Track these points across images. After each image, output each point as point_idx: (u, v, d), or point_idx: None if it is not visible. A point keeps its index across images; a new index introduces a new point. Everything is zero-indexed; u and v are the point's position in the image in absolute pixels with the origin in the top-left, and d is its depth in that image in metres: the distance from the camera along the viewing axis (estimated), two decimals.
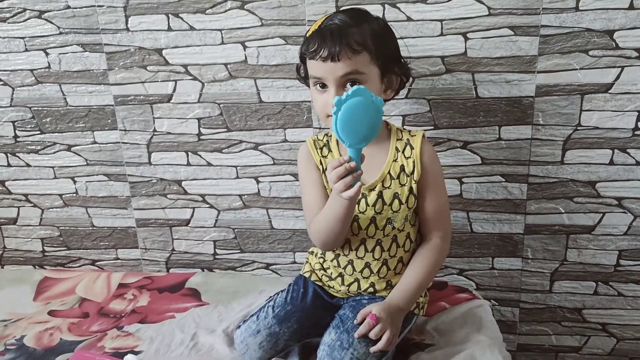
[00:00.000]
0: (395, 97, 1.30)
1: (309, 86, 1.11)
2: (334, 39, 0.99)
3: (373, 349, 1.00)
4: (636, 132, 1.26)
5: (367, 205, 1.09)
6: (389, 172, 1.09)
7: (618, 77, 1.23)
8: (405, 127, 1.17)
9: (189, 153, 1.45)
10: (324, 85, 1.04)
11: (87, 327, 1.30)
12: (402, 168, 1.09)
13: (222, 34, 1.34)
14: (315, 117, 1.36)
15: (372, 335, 1.01)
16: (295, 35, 1.31)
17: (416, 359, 1.11)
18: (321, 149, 1.14)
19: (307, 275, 1.21)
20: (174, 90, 1.40)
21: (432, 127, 1.33)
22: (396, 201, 1.09)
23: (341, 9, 1.09)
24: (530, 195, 1.35)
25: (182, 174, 1.48)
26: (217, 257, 1.55)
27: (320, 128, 1.37)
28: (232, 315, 1.30)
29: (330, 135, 1.15)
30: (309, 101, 1.36)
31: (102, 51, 1.40)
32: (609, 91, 1.24)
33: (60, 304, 1.40)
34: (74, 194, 1.54)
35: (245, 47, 1.34)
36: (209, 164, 1.45)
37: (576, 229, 1.36)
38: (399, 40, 1.09)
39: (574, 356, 1.48)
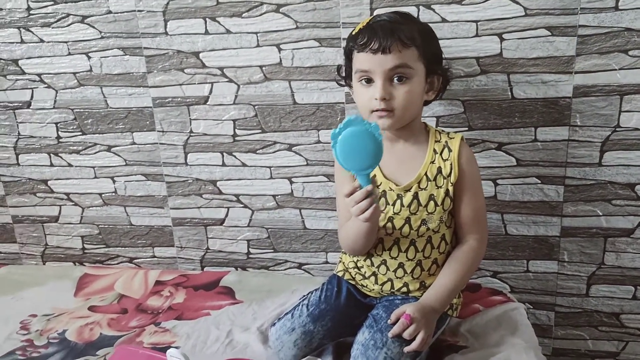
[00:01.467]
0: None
1: (348, 85, 1.13)
2: (385, 32, 1.02)
3: (407, 348, 1.01)
4: None
5: (402, 205, 1.09)
6: (425, 174, 1.10)
7: None
8: (443, 129, 1.17)
9: (224, 154, 1.48)
10: (369, 80, 1.06)
11: (125, 322, 1.33)
12: (440, 170, 1.10)
13: (257, 36, 1.36)
14: None
15: (406, 335, 1.02)
16: (329, 37, 1.33)
17: None
18: None
19: (340, 274, 1.22)
20: (210, 92, 1.43)
21: (467, 129, 1.32)
22: (432, 202, 1.09)
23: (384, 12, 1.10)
24: (567, 197, 1.33)
25: (217, 174, 1.50)
26: (250, 256, 1.57)
27: None
28: (266, 314, 1.32)
29: None
30: (343, 102, 1.37)
31: (142, 54, 1.43)
32: None
33: (100, 299, 1.45)
34: (113, 194, 1.59)
35: (280, 50, 1.36)
36: (244, 165, 1.48)
37: (614, 232, 1.34)
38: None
39: None
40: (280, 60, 1.37)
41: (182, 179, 1.53)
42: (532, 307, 1.44)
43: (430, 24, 1.14)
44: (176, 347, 0.77)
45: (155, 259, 1.64)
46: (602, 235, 1.35)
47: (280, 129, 1.42)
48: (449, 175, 1.09)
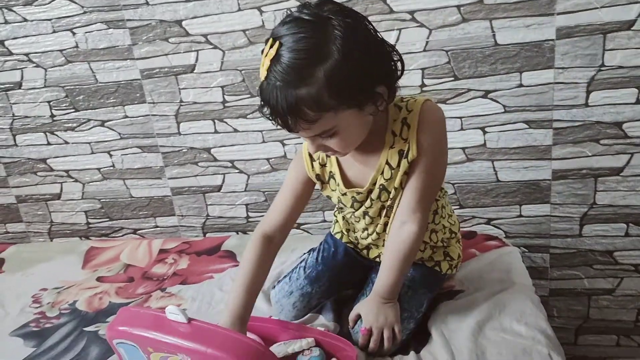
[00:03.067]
0: (413, 51, 1.31)
1: None
2: (283, 112, 0.83)
3: (384, 352, 1.00)
4: None
5: (373, 200, 1.03)
6: (386, 163, 0.99)
7: None
8: (404, 97, 0.99)
9: (216, 121, 1.50)
10: None
11: (133, 290, 1.38)
12: (401, 152, 0.98)
13: (238, 0, 1.36)
14: None
15: (372, 345, 0.99)
16: None
17: (445, 307, 1.13)
18: (318, 157, 1.05)
19: (338, 236, 1.21)
20: (197, 60, 1.44)
21: (453, 79, 1.33)
22: (393, 191, 1.01)
23: (287, 27, 0.83)
24: (555, 140, 1.34)
25: (211, 141, 1.52)
26: (249, 220, 1.60)
27: None
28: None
29: None
30: None
31: (125, 27, 1.44)
32: (632, 28, 1.21)
33: (107, 270, 1.49)
34: (111, 167, 1.62)
35: (261, 12, 1.36)
36: (236, 130, 1.50)
37: (604, 171, 1.35)
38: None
39: (608, 298, 1.49)
40: (263, 23, 1.37)
41: (176, 149, 1.55)
42: (527, 250, 1.47)
43: None
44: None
45: (158, 228, 1.68)
46: (592, 176, 1.36)
47: None
48: (407, 155, 0.97)
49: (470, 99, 1.34)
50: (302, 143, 1.33)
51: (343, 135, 0.90)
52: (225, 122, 1.49)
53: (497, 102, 1.33)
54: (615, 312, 1.51)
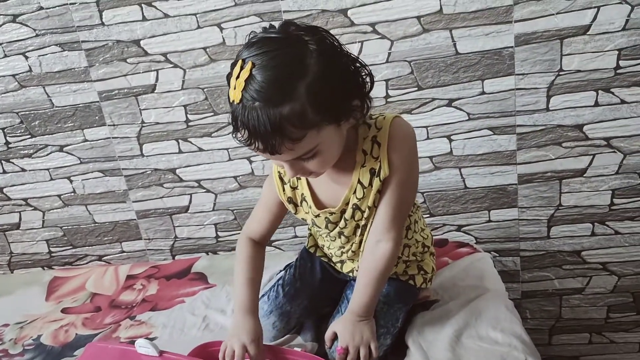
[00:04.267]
0: (376, 63, 1.31)
1: None
2: (266, 133, 0.79)
3: None
4: (618, 71, 1.26)
5: (347, 220, 1.02)
6: (358, 181, 0.97)
7: (595, 17, 1.23)
8: (373, 115, 0.97)
9: (180, 140, 1.46)
10: None
11: (100, 320, 1.33)
12: (373, 171, 0.96)
13: (197, 18, 1.34)
14: None
15: None
16: (270, 11, 1.31)
17: (421, 319, 1.13)
18: (289, 180, 1.03)
19: (312, 250, 1.19)
20: (157, 79, 1.41)
21: (416, 89, 1.33)
22: (367, 210, 1.00)
23: (256, 47, 0.79)
24: (519, 145, 1.36)
25: (175, 162, 1.49)
26: (219, 239, 1.57)
27: None
28: None
29: None
30: None
31: (81, 48, 1.40)
32: (587, 33, 1.24)
33: (72, 301, 1.44)
34: (72, 193, 1.56)
35: (222, 29, 1.34)
36: (200, 149, 1.47)
37: (568, 173, 1.38)
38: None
39: (578, 297, 1.52)
40: (224, 40, 1.35)
41: (140, 171, 1.51)
42: (498, 254, 1.48)
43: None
44: (147, 339, 0.77)
45: (125, 253, 1.63)
46: (556, 178, 1.39)
47: (222, 111, 1.41)
48: (379, 173, 0.95)
49: (435, 108, 1.34)
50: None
51: (324, 154, 0.87)
52: (190, 142, 1.46)
53: (462, 110, 1.34)
54: (586, 311, 1.53)
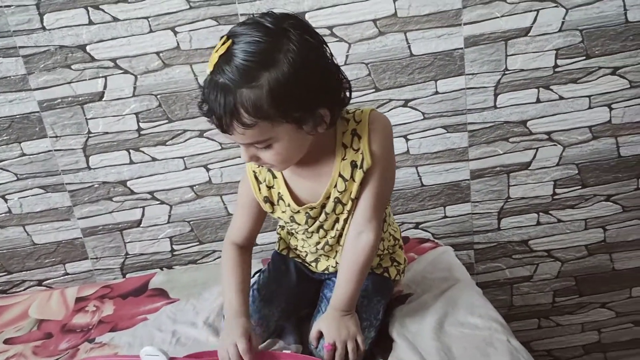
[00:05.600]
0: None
1: None
2: (220, 108, 0.82)
3: None
4: (556, 69, 1.37)
5: (327, 213, 1.02)
6: (339, 175, 0.98)
7: (535, 20, 1.33)
8: (349, 110, 0.98)
9: (131, 151, 1.39)
10: None
11: (54, 347, 1.22)
12: (354, 163, 0.97)
13: (149, 21, 1.29)
14: None
15: (338, 359, 0.98)
16: (226, 14, 1.29)
17: (400, 312, 1.14)
18: (264, 179, 1.02)
19: (284, 252, 1.18)
20: (105, 87, 1.33)
21: (374, 90, 1.37)
22: (349, 202, 1.00)
23: (244, 28, 0.83)
24: (471, 142, 1.43)
25: (126, 173, 1.41)
26: (175, 253, 1.50)
27: None
28: (207, 306, 1.27)
29: None
30: None
31: (18, 55, 1.29)
32: (529, 34, 1.34)
33: (15, 330, 1.30)
34: (7, 214, 1.43)
35: (175, 33, 1.30)
36: (154, 159, 1.40)
37: (515, 167, 1.47)
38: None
39: (527, 284, 1.61)
40: (178, 44, 1.31)
41: (86, 185, 1.42)
42: (453, 249, 1.53)
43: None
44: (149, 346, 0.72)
45: (69, 276, 1.51)
46: (505, 172, 1.47)
47: (189, 116, 1.37)
48: (362, 165, 0.96)
49: (392, 108, 1.38)
50: (238, 164, 1.24)
51: (278, 149, 0.88)
52: (142, 151, 1.39)
53: (417, 110, 1.39)
54: (535, 297, 1.63)
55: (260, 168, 1.02)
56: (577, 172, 1.47)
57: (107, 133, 1.37)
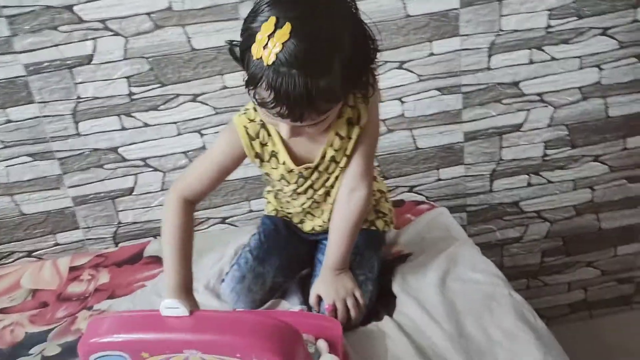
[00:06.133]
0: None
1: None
2: (298, 101, 0.77)
3: (353, 324, 1.01)
4: (548, 30, 1.38)
5: (320, 172, 1.01)
6: (336, 134, 0.97)
7: None
8: None
9: (122, 116, 1.36)
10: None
11: (51, 315, 1.20)
12: (350, 120, 0.97)
13: None
14: None
15: (341, 319, 0.99)
16: None
17: (401, 270, 1.16)
18: (257, 136, 0.98)
19: (273, 214, 1.18)
20: (94, 49, 1.29)
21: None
22: (343, 160, 1.00)
23: (290, 4, 0.77)
24: (465, 104, 1.44)
25: (118, 139, 1.38)
26: None
27: None
28: (207, 271, 1.25)
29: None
30: None
31: (2, 15, 1.24)
32: None
33: (9, 300, 1.27)
34: None
35: None
36: (146, 125, 1.37)
37: (507, 128, 1.48)
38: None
39: (517, 245, 1.64)
40: (170, 5, 1.27)
41: (76, 152, 1.38)
42: (447, 210, 1.56)
43: None
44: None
45: (59, 246, 1.48)
46: (497, 134, 1.49)
47: (182, 80, 1.34)
48: (358, 121, 0.97)
49: (387, 70, 1.37)
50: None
51: (326, 122, 0.88)
52: (134, 117, 1.36)
53: (412, 72, 1.39)
54: (524, 257, 1.67)
55: (252, 123, 0.97)
56: (567, 133, 1.50)
57: (97, 98, 1.33)
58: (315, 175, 1.02)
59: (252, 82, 0.79)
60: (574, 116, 1.48)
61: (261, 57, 0.76)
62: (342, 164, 1.00)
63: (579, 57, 1.41)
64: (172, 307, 0.67)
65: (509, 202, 1.58)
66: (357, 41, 0.81)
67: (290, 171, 1.01)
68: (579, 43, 1.40)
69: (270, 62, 0.75)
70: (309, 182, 1.03)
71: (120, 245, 1.49)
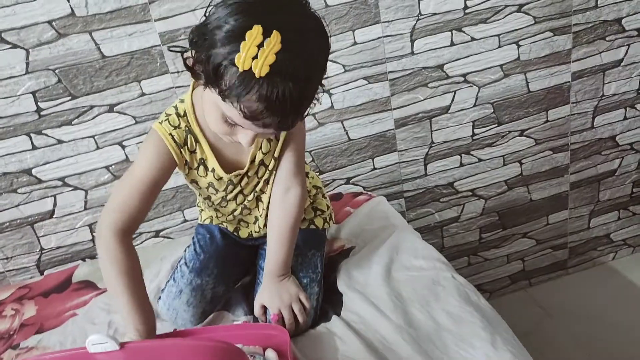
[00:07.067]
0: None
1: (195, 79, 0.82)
2: (288, 112, 0.75)
3: (300, 328, 0.98)
4: (466, 11, 1.39)
5: (248, 177, 0.99)
6: (260, 147, 0.96)
7: None
8: None
9: (32, 135, 1.25)
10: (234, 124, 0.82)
11: None
12: None
13: None
14: (171, 61, 1.26)
15: (288, 326, 0.96)
16: None
17: (345, 266, 1.14)
18: (185, 143, 0.93)
19: (207, 222, 1.14)
20: None
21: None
22: (271, 163, 0.99)
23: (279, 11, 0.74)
24: (392, 90, 1.43)
25: (30, 160, 1.27)
26: None
27: (178, 72, 1.27)
28: None
29: (187, 120, 0.93)
30: (159, 45, 1.24)
31: None
32: None
33: None
34: None
35: None
36: (60, 141, 1.28)
37: (436, 112, 1.49)
38: None
39: (456, 225, 1.67)
40: (72, 10, 1.18)
41: None
42: (385, 199, 1.55)
43: None
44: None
45: None
46: (427, 118, 1.49)
47: (95, 90, 1.25)
48: None
49: None
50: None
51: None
52: (45, 134, 1.26)
53: (337, 62, 1.37)
54: (463, 236, 1.69)
55: (177, 130, 0.91)
56: (492, 110, 1.53)
57: (1, 117, 1.22)
58: (245, 180, 0.99)
59: (235, 94, 0.73)
60: (498, 94, 1.51)
61: (250, 69, 0.71)
62: (270, 167, 0.99)
63: (497, 35, 1.43)
64: (99, 342, 0.61)
65: (444, 184, 1.59)
66: (328, 51, 0.80)
67: (220, 179, 0.97)
68: (497, 22, 1.42)
69: (263, 74, 0.71)
70: (238, 188, 1.00)
71: (45, 273, 1.39)
